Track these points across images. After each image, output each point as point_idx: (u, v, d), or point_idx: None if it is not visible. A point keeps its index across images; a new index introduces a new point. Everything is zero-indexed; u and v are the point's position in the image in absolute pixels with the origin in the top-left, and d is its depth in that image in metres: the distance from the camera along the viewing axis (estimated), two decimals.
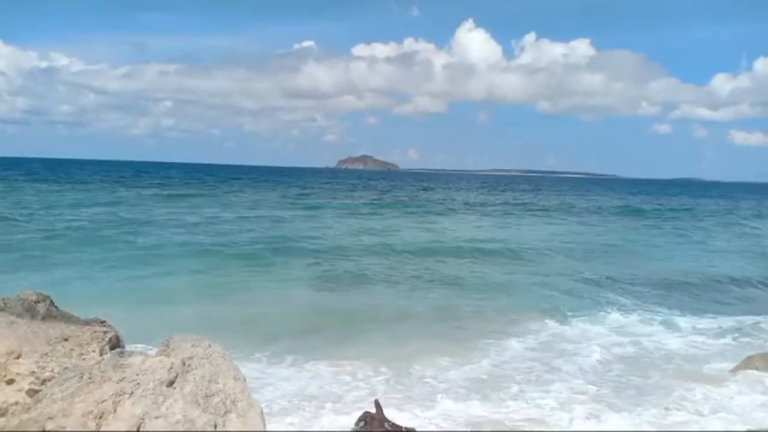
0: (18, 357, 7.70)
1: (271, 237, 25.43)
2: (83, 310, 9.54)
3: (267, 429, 6.33)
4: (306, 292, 15.54)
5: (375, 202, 54.42)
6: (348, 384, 8.96)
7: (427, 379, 9.30)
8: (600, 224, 37.97)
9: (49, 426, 4.57)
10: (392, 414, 7.28)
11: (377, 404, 7.15)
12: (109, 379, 5.38)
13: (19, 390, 7.24)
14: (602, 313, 13.93)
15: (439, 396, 8.43)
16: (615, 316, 13.57)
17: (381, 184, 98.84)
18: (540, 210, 50.52)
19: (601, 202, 67.10)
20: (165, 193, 54.12)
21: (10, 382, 7.43)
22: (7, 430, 4.48)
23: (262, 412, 6.32)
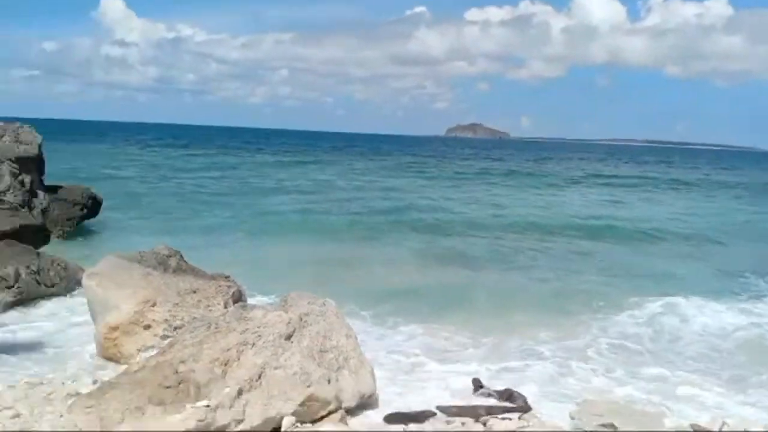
0: (153, 305, 8.42)
1: (383, 206, 25.72)
2: (209, 266, 10.25)
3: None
4: (414, 260, 15.62)
5: (487, 171, 53.03)
6: (444, 349, 9.03)
7: (525, 349, 9.12)
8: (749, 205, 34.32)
9: (181, 368, 4.95)
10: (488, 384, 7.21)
11: (475, 383, 7.07)
12: (234, 329, 5.73)
13: (154, 335, 7.94)
14: (732, 297, 12.88)
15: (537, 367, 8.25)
16: (746, 303, 12.49)
17: (492, 153, 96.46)
18: (682, 185, 46.07)
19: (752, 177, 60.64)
20: (285, 159, 56.47)
21: (147, 327, 8.16)
22: (145, 368, 4.90)
23: (372, 371, 6.48)
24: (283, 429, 5.09)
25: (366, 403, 6.19)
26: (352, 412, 6.03)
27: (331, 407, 5.62)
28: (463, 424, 5.72)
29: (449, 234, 19.53)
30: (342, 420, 5.56)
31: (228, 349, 5.42)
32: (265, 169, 45.13)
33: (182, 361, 5.07)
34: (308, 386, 5.48)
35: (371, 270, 14.30)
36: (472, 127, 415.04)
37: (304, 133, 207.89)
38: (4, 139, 15.64)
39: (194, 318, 7.14)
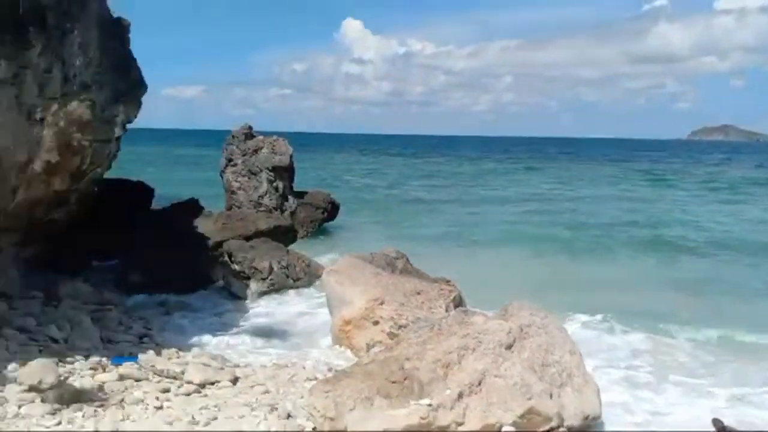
0: (381, 303, 8.99)
1: (614, 217, 23.93)
2: (430, 271, 10.61)
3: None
4: (647, 279, 14.30)
5: (747, 179, 45.14)
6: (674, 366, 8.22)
7: None
8: None
9: (406, 365, 5.21)
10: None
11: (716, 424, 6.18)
12: (455, 333, 5.85)
13: (381, 331, 8.46)
14: None
15: None
16: None
17: (751, 158, 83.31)
18: None
19: None
20: (509, 167, 56.22)
21: (375, 323, 8.73)
22: (375, 361, 5.26)
23: (598, 392, 6.12)
24: None
25: (590, 425, 5.86)
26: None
27: (553, 424, 5.43)
28: None
29: (695, 254, 17.43)
30: None
31: (450, 352, 5.55)
32: (488, 177, 45.36)
33: (407, 359, 5.33)
34: (529, 398, 5.37)
35: (595, 284, 13.50)
36: (723, 128, 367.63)
37: (528, 139, 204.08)
38: (263, 150, 18.02)
39: (417, 318, 7.43)
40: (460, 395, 5.10)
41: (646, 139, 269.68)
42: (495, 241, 18.65)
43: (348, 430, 4.60)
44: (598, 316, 10.33)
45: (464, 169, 55.09)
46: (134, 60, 9.75)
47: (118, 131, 9.51)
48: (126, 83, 9.44)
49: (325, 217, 18.28)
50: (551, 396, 5.60)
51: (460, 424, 4.92)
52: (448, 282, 9.80)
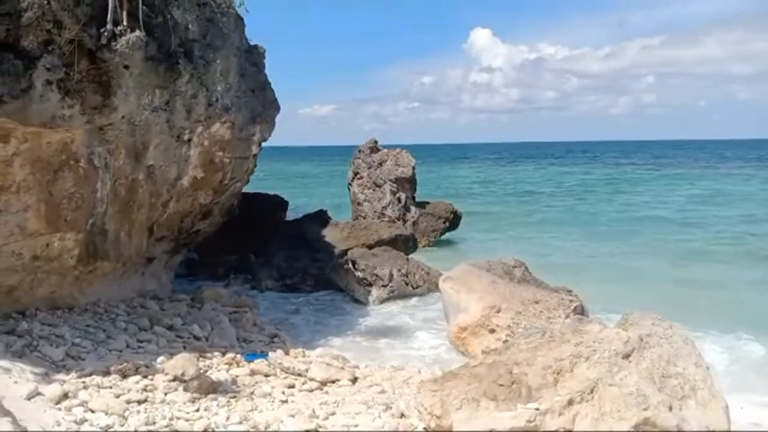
0: (498, 311, 9.01)
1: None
2: (559, 281, 10.38)
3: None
4: None
5: None
6: None
7: None
8: None
9: (515, 370, 5.25)
10: None
11: None
12: (568, 341, 5.79)
13: (498, 339, 8.48)
14: None
15: None
16: None
17: None
18: None
19: None
20: (650, 173, 53.00)
21: (492, 331, 8.77)
22: (482, 364, 5.35)
23: (726, 408, 5.75)
24: None
25: None
26: None
27: None
28: None
29: None
30: None
31: (561, 359, 5.50)
32: (620, 184, 43.06)
33: (516, 364, 5.37)
34: (645, 409, 5.18)
35: (741, 295, 12.43)
36: None
37: (673, 143, 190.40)
38: (387, 163, 18.64)
39: (531, 325, 7.39)
40: (570, 402, 5.05)
41: None
42: (632, 250, 17.71)
43: (454, 429, 4.74)
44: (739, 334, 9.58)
45: (593, 174, 52.75)
46: (269, 83, 10.61)
47: (254, 149, 10.40)
48: (261, 105, 10.30)
49: (446, 227, 18.48)
50: (671, 408, 5.36)
51: (569, 431, 4.87)
52: (569, 292, 9.59)
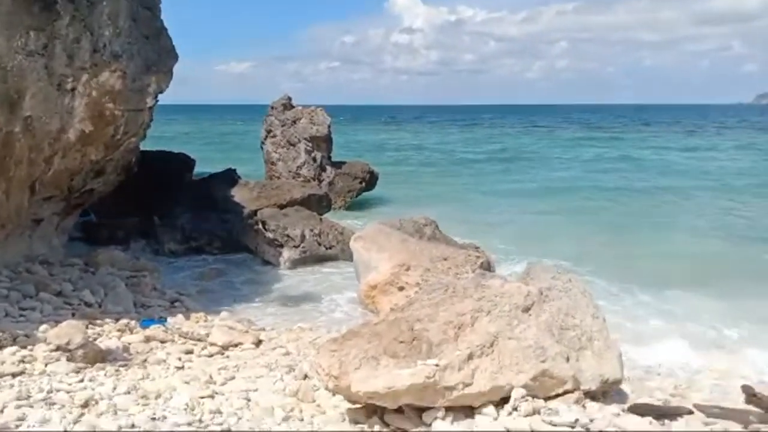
0: (408, 269, 8.95)
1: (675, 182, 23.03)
2: (473, 238, 10.41)
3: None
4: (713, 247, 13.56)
5: None
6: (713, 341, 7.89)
7: None
8: None
9: (416, 326, 5.15)
10: None
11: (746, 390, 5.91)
12: (470, 296, 5.73)
13: (406, 296, 8.38)
14: None
15: None
16: None
17: None
18: None
19: None
20: (563, 135, 54.76)
21: (401, 288, 8.70)
22: (384, 321, 5.22)
23: (620, 356, 5.93)
24: (512, 400, 4.96)
25: (609, 389, 5.70)
26: (593, 396, 5.60)
27: (567, 386, 5.28)
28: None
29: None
30: (578, 402, 5.20)
31: (462, 314, 5.45)
32: (534, 146, 44.30)
33: (418, 320, 5.27)
34: (543, 361, 5.24)
35: (656, 250, 12.99)
36: None
37: (585, 107, 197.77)
38: (302, 121, 18.09)
39: (426, 281, 7.35)
40: (470, 356, 5.01)
41: (707, 104, 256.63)
42: (545, 206, 18.25)
43: (352, 388, 4.60)
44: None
45: (510, 136, 54.02)
46: (165, 30, 9.85)
47: (150, 101, 9.66)
48: (157, 53, 9.55)
49: (363, 187, 18.28)
50: (568, 359, 5.44)
51: (468, 385, 4.84)
52: (476, 248, 9.69)
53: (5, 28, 6.53)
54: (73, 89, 7.79)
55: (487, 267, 9.11)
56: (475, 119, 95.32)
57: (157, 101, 9.85)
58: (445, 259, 8.99)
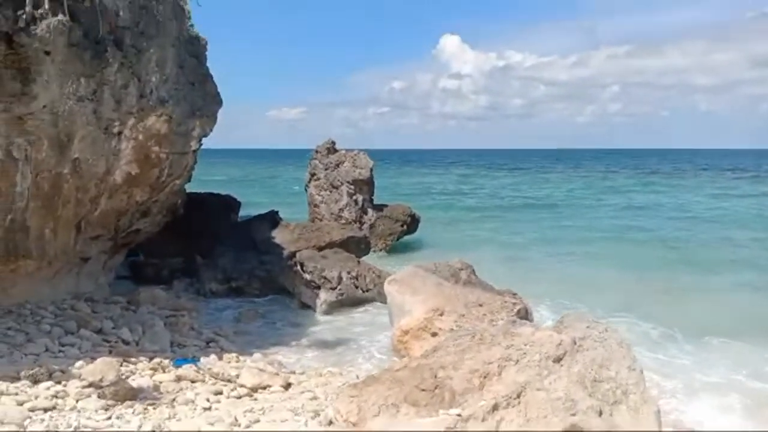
0: (441, 314, 8.79)
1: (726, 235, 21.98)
2: (511, 286, 10.14)
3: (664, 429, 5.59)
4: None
5: None
6: None
7: None
8: None
9: (440, 374, 5.03)
10: None
11: None
12: (498, 343, 5.59)
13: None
14: None
15: None
16: None
17: None
18: None
19: None
20: (613, 182, 53.51)
21: (434, 335, 8.53)
22: (406, 367, 5.11)
23: (658, 412, 5.61)
24: None
25: None
26: None
27: None
28: None
29: None
30: None
31: (489, 363, 5.30)
32: (583, 191, 43.50)
33: (442, 367, 5.15)
34: (573, 414, 5.00)
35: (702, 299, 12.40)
36: None
37: (636, 152, 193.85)
38: (345, 165, 18.35)
39: (461, 327, 7.19)
40: (495, 407, 4.83)
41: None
42: (593, 254, 17.69)
43: None
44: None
45: (556, 181, 53.21)
46: (210, 76, 10.26)
47: (194, 144, 10.03)
48: (202, 98, 9.94)
49: (404, 230, 18.25)
50: (600, 413, 5.18)
51: None
52: (513, 294, 9.44)
53: (58, 75, 6.93)
54: (119, 133, 8.16)
55: (525, 314, 8.87)
56: (524, 163, 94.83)
57: (201, 144, 10.20)
58: (481, 305, 8.80)
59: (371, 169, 18.26)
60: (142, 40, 8.10)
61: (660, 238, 21.51)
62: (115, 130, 8.09)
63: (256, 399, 6.66)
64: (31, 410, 5.36)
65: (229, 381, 7.04)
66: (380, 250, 17.05)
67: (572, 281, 13.97)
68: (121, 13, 7.68)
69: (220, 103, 10.24)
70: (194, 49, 9.70)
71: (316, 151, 18.81)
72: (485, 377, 5.15)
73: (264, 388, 6.97)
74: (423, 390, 4.83)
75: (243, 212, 17.02)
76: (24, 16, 6.49)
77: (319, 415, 6.06)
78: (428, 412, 4.68)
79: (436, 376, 5.00)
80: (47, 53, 6.73)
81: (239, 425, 5.72)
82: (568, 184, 49.72)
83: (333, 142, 18.88)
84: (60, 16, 6.72)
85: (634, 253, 18.22)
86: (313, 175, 18.56)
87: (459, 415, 4.66)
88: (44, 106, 7.00)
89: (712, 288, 13.62)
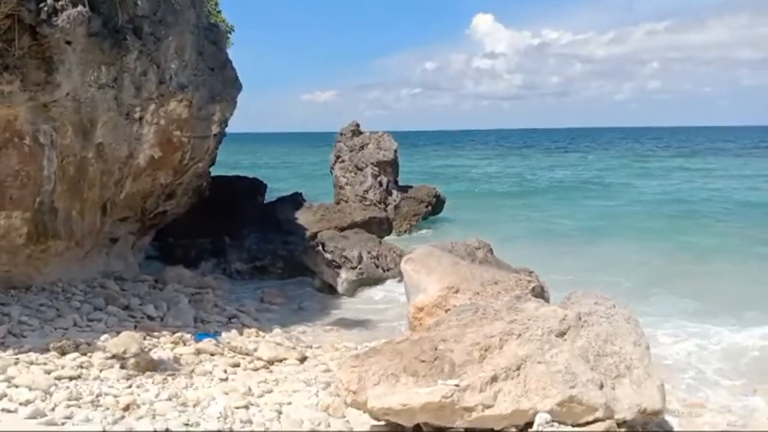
0: (456, 292, 8.90)
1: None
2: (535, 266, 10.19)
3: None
4: None
5: None
6: None
7: None
8: None
9: (440, 346, 5.17)
10: None
11: None
12: (501, 318, 5.70)
13: None
14: None
15: None
16: None
17: None
18: None
19: None
20: (649, 163, 52.45)
21: (447, 311, 8.68)
22: (407, 339, 5.27)
23: (662, 386, 5.66)
24: (535, 425, 4.85)
25: (648, 420, 5.45)
26: (631, 427, 5.38)
27: (598, 414, 5.09)
28: None
29: None
30: (608, 430, 5.02)
31: (491, 336, 5.41)
32: (618, 170, 42.73)
33: (443, 340, 5.29)
34: (572, 387, 5.09)
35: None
36: None
37: (677, 129, 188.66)
38: (369, 146, 18.51)
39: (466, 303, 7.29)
40: (494, 378, 4.96)
41: None
42: (624, 234, 17.46)
43: (368, 404, 4.67)
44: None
45: (589, 160, 52.36)
46: (230, 62, 10.50)
47: (215, 128, 10.30)
48: (221, 84, 10.19)
49: (428, 211, 18.37)
50: (601, 386, 5.26)
51: (489, 407, 4.79)
52: (530, 272, 9.48)
53: (80, 63, 7.23)
54: (141, 118, 8.45)
55: (540, 291, 8.90)
56: (559, 143, 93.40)
57: (222, 129, 10.47)
58: (496, 283, 8.86)
59: (395, 151, 18.37)
60: (160, 28, 8.34)
61: (702, 214, 20.99)
62: (137, 115, 8.39)
63: (271, 371, 6.92)
64: (57, 378, 5.70)
65: (246, 354, 7.31)
66: (405, 230, 17.21)
67: (599, 263, 13.86)
68: (139, 2, 7.92)
69: (239, 88, 10.47)
70: (213, 35, 9.92)
71: (341, 134, 19.00)
72: (486, 350, 5.28)
73: (280, 361, 7.23)
74: (422, 361, 4.99)
75: (271, 194, 17.37)
76: (45, 8, 6.76)
77: (329, 386, 6.28)
78: (426, 382, 4.85)
79: (436, 348, 5.15)
80: (68, 43, 7.02)
81: (252, 394, 5.98)
82: (601, 163, 48.93)
83: (357, 125, 19.02)
84: (80, 7, 6.98)
85: (671, 232, 17.83)
86: (338, 157, 18.77)
87: (457, 385, 4.81)
88: (67, 94, 7.31)
89: (739, 268, 13.34)
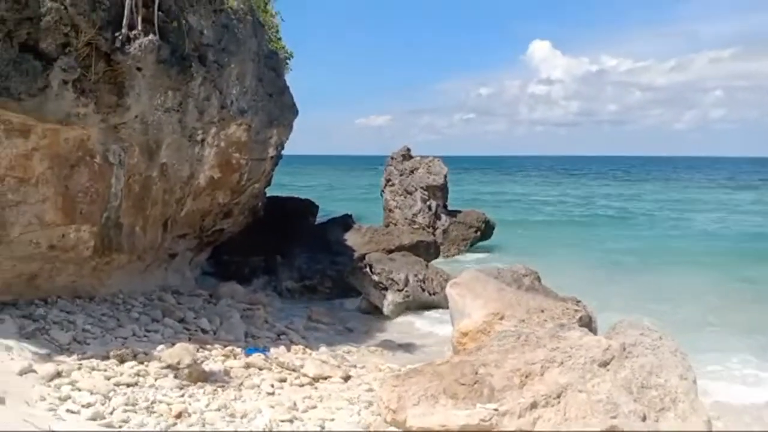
0: (501, 318, 8.93)
1: None
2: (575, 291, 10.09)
3: None
4: None
5: None
6: None
7: None
8: None
9: (481, 371, 5.24)
10: None
11: None
12: (543, 345, 5.72)
13: None
14: None
15: None
16: None
17: None
18: None
19: None
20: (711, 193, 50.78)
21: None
22: (448, 362, 5.36)
23: (709, 422, 5.55)
24: None
25: None
26: None
27: None
28: None
29: None
30: None
31: (533, 363, 5.44)
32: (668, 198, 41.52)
33: (484, 364, 5.35)
34: (613, 417, 5.06)
35: None
36: None
37: (742, 160, 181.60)
38: (419, 171, 18.72)
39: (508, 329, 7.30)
40: (534, 405, 4.99)
41: None
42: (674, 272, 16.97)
43: (407, 423, 4.77)
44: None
45: (640, 188, 51.00)
46: (287, 88, 10.94)
47: (272, 151, 10.73)
48: (279, 109, 10.63)
49: (477, 236, 18.36)
50: (644, 418, 5.21)
51: None
52: (577, 302, 9.40)
53: (148, 88, 7.72)
54: (202, 140, 8.91)
55: (588, 322, 8.82)
56: (616, 171, 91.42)
57: (279, 152, 10.88)
58: (542, 311, 8.84)
59: (445, 176, 18.51)
60: (224, 56, 8.81)
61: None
62: (199, 138, 8.85)
63: (316, 388, 7.11)
64: (116, 385, 6.05)
65: (293, 370, 7.53)
66: (453, 255, 17.25)
67: (650, 294, 13.56)
68: (205, 32, 8.41)
69: (296, 113, 10.89)
70: (273, 63, 10.39)
71: (392, 158, 19.29)
72: (527, 377, 5.32)
73: (325, 378, 7.41)
74: (462, 384, 5.07)
75: (322, 215, 17.76)
76: (120, 37, 7.29)
77: (371, 405, 6.42)
78: (465, 405, 4.92)
79: (476, 372, 5.22)
80: (139, 69, 7.51)
81: (297, 409, 6.17)
82: (658, 195, 47.63)
83: (408, 149, 19.29)
84: (150, 36, 7.48)
85: (732, 267, 17.23)
86: (388, 180, 19.04)
87: (496, 409, 4.87)
88: (136, 117, 7.81)
89: None
